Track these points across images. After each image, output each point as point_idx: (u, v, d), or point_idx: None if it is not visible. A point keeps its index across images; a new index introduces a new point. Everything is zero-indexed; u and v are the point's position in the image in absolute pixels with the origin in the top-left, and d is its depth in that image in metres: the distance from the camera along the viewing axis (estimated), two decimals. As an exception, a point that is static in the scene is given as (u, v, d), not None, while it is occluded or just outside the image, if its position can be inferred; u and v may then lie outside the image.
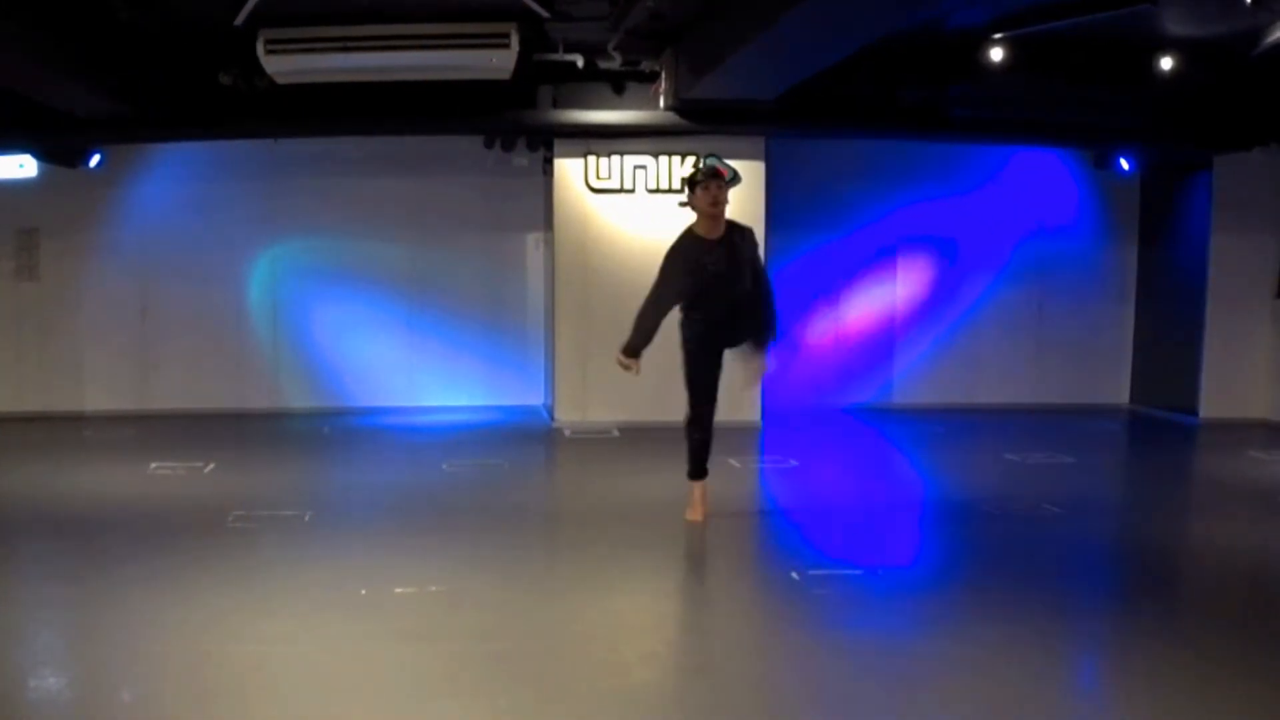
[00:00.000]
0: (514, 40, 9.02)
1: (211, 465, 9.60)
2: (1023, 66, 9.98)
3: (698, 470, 7.52)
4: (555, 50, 10.15)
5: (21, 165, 11.98)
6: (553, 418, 11.93)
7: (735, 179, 7.25)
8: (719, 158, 11.62)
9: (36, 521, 7.83)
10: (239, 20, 8.68)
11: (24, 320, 12.46)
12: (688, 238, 7.27)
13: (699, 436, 7.45)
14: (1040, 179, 13.53)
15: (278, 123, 11.01)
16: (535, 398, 12.97)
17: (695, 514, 7.47)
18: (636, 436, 10.95)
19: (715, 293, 7.15)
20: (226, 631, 5.41)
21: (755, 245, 7.42)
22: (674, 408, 11.39)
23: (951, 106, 11.04)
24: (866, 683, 4.92)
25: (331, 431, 11.67)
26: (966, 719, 4.51)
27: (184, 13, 8.97)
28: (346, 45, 9.09)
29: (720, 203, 7.15)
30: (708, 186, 7.15)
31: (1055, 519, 7.94)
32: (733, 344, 7.40)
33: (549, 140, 11.79)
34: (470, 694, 4.70)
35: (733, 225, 7.26)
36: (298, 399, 12.75)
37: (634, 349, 7.28)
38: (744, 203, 11.67)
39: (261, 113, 10.65)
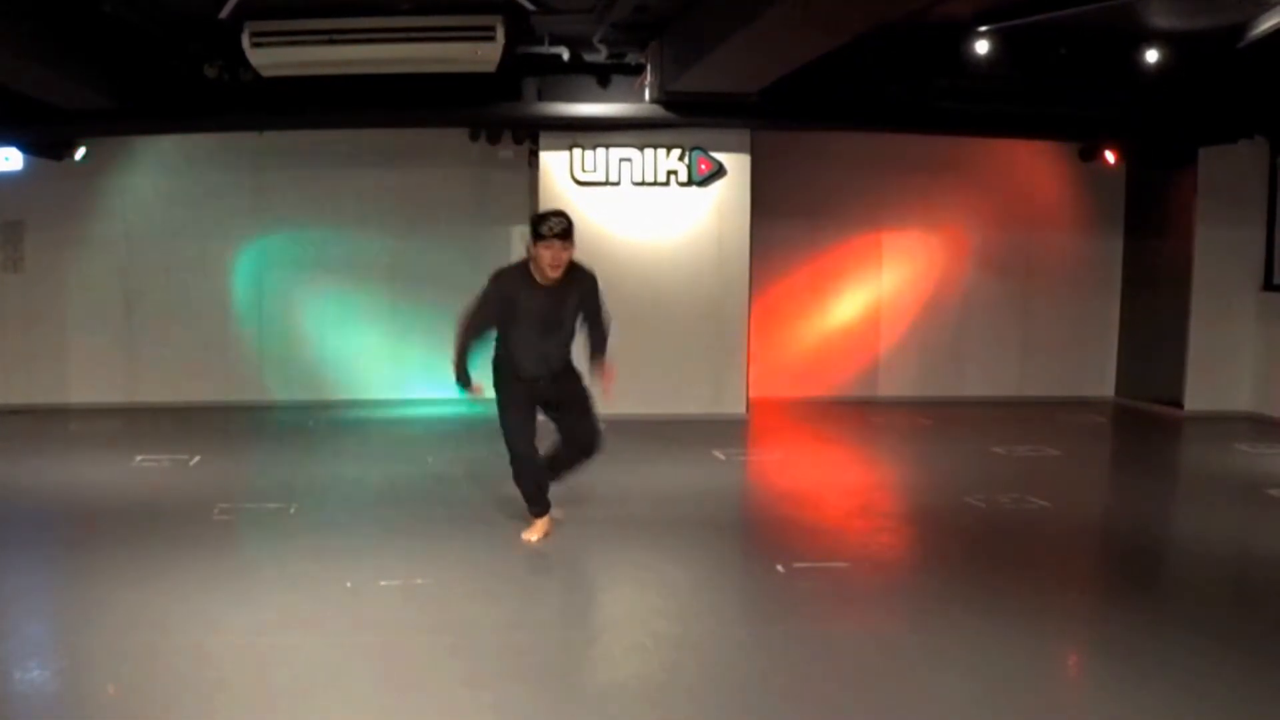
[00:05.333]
0: (499, 33, 9.00)
1: (196, 458, 9.59)
2: (1008, 59, 9.98)
3: (536, 510, 7.10)
4: (541, 43, 10.14)
5: (7, 158, 11.99)
6: (539, 410, 11.92)
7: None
8: (704, 149, 11.67)
9: (21, 514, 7.82)
10: (224, 13, 8.67)
11: (9, 312, 12.43)
12: (517, 271, 6.78)
13: (525, 488, 7.00)
14: (1026, 171, 13.55)
15: (263, 115, 10.98)
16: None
17: (532, 534, 7.07)
18: (622, 429, 10.87)
19: (525, 331, 6.74)
20: (211, 623, 5.42)
21: (595, 290, 6.88)
22: (662, 401, 11.50)
23: (937, 99, 11.04)
24: (853, 675, 4.93)
25: (316, 424, 11.66)
26: (953, 711, 4.53)
27: (169, 5, 8.94)
28: (332, 38, 9.07)
29: (560, 264, 6.58)
30: (551, 246, 6.53)
31: (1041, 512, 7.96)
32: (547, 401, 6.91)
33: (534, 133, 11.79)
34: (457, 687, 4.71)
35: (571, 272, 6.72)
36: (283, 392, 12.73)
37: (457, 371, 6.82)
38: (730, 195, 11.74)
39: (246, 105, 10.61)
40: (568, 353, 6.92)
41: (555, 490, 7.11)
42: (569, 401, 6.97)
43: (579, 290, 6.80)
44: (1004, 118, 11.54)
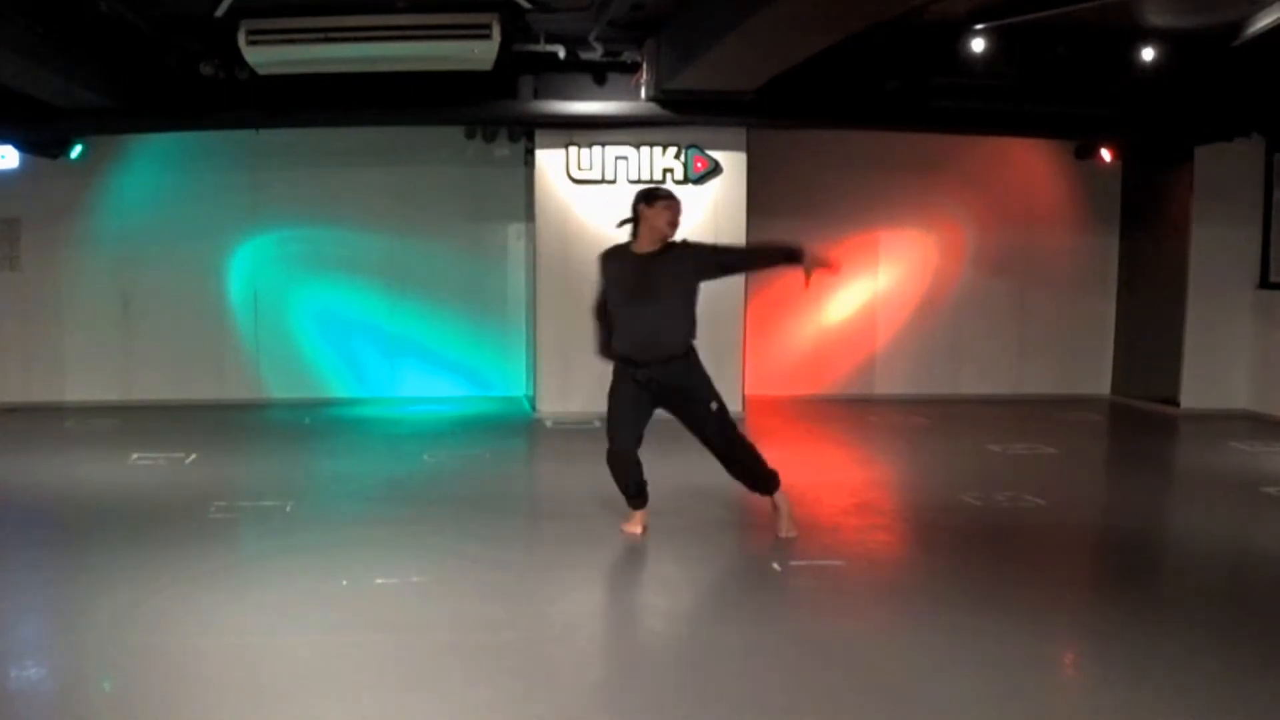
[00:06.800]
0: (495, 31, 9.00)
1: (193, 456, 9.59)
2: (1004, 57, 9.98)
3: (633, 504, 7.18)
4: (536, 41, 10.12)
5: (3, 156, 11.97)
6: (534, 409, 11.93)
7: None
8: (700, 147, 11.68)
9: (17, 512, 7.81)
10: (220, 11, 8.66)
11: (5, 310, 12.43)
12: (618, 246, 6.94)
13: (616, 482, 7.07)
14: (1022, 169, 13.57)
15: (259, 113, 10.96)
16: (517, 389, 12.97)
17: (633, 527, 7.16)
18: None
19: (618, 304, 6.82)
20: (207, 622, 5.41)
21: (699, 249, 6.91)
22: (657, 398, 11.48)
23: (933, 97, 11.04)
24: (850, 673, 4.93)
25: (313, 422, 11.66)
26: (950, 709, 4.53)
27: (165, 4, 8.93)
28: (328, 36, 9.07)
29: (677, 225, 6.77)
30: (670, 206, 6.74)
31: (1037, 510, 7.97)
32: (657, 396, 6.86)
33: (530, 131, 11.79)
34: (452, 685, 4.71)
35: (670, 246, 6.80)
36: (279, 390, 12.74)
37: (602, 351, 7.10)
38: (726, 193, 11.74)
39: (243, 103, 10.59)
40: (667, 335, 6.73)
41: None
42: (682, 399, 6.88)
43: (676, 259, 6.77)
44: (1000, 116, 11.55)
